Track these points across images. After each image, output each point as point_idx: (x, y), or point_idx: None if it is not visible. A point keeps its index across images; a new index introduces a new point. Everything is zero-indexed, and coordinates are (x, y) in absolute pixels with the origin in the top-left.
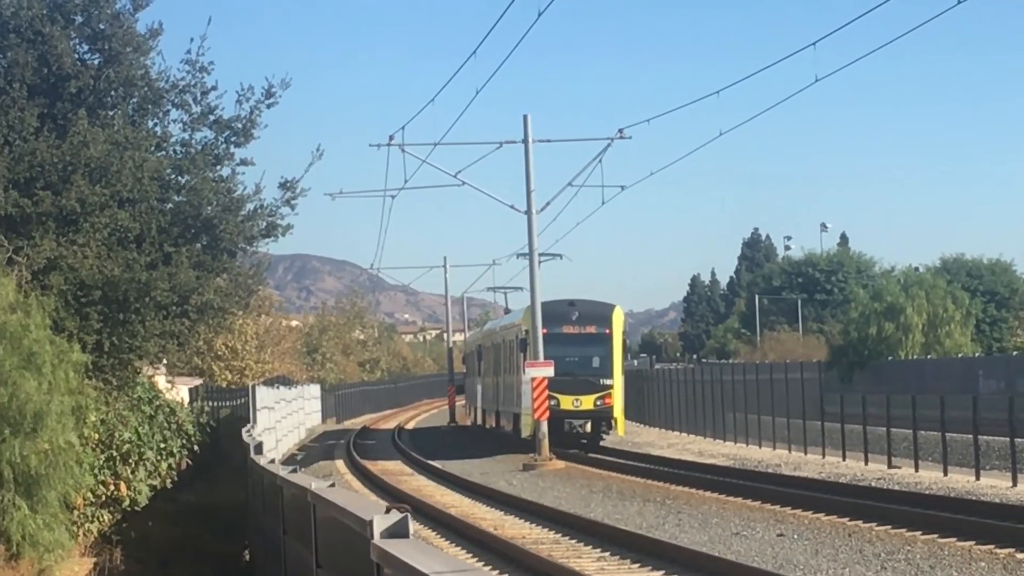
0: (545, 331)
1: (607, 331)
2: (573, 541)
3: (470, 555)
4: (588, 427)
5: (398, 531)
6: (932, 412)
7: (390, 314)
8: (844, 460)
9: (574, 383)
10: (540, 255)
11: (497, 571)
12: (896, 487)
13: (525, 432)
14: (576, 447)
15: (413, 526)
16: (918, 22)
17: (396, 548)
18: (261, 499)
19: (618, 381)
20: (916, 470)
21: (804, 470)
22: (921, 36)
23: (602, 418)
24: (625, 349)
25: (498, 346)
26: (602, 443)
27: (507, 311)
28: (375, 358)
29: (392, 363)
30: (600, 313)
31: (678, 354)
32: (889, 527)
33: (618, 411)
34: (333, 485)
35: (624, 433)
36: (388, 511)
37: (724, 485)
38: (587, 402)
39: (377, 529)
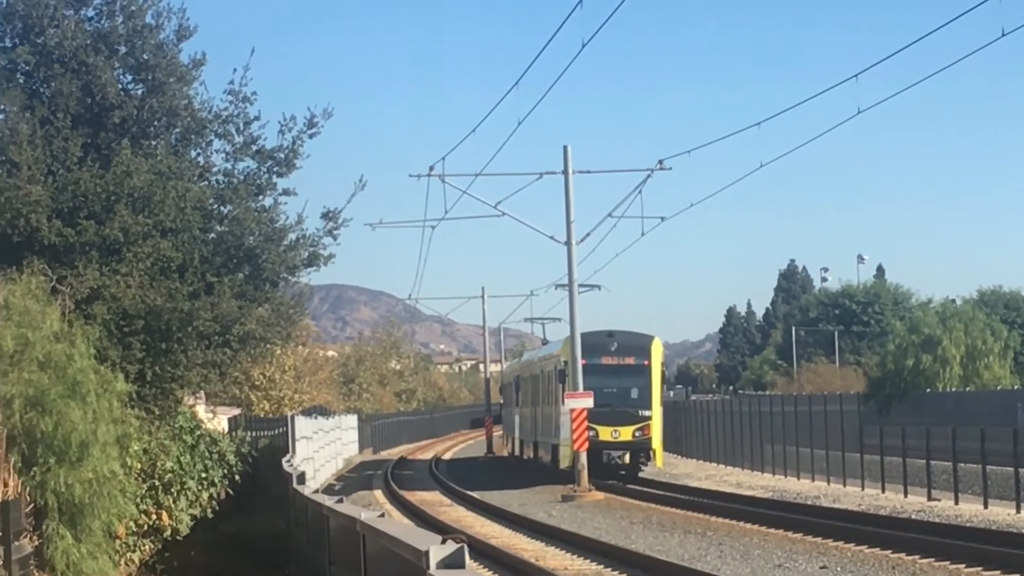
0: (584, 362)
1: (646, 362)
2: (615, 572)
3: None
4: (627, 458)
5: (454, 562)
6: (972, 444)
7: (425, 344)
8: (883, 492)
9: (613, 414)
10: (579, 286)
11: None
12: (936, 519)
13: (563, 463)
14: (614, 478)
15: None
16: (960, 55)
17: None
18: (304, 529)
19: (657, 412)
20: (956, 503)
21: (843, 502)
22: (963, 68)
23: (641, 449)
24: (664, 380)
25: (536, 377)
26: (640, 474)
27: (544, 342)
28: (411, 388)
29: (428, 393)
30: (639, 344)
31: (714, 385)
32: (932, 559)
33: (657, 442)
34: (383, 515)
35: (662, 465)
36: (444, 541)
37: (764, 517)
38: (626, 433)
39: (433, 560)
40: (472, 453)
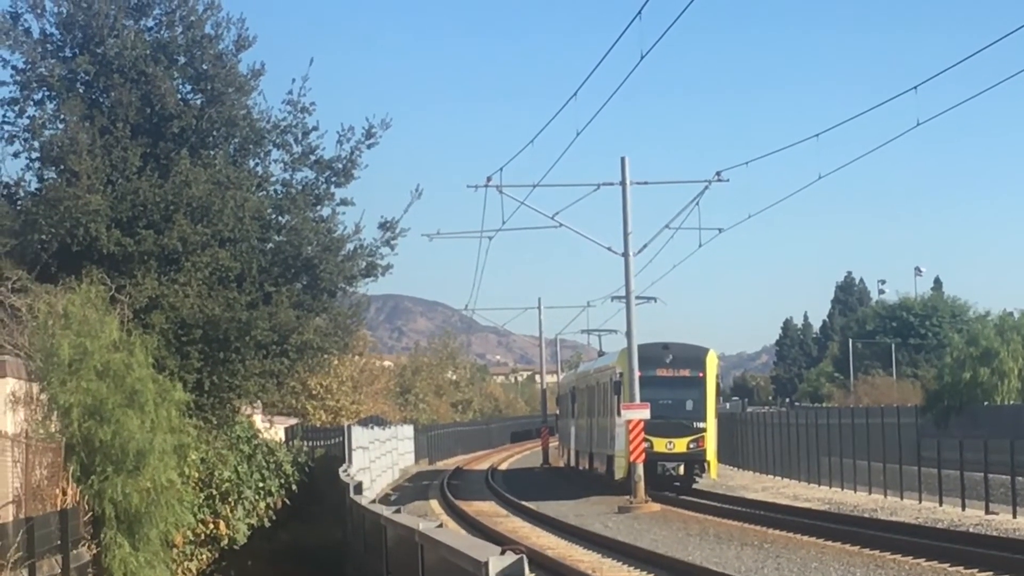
0: (639, 374)
1: (701, 374)
2: None
3: None
4: (681, 470)
5: (514, 572)
6: None
7: (481, 355)
8: (940, 505)
9: (668, 426)
10: (635, 298)
11: None
12: (994, 533)
13: (619, 474)
14: (669, 490)
15: None
16: (1019, 67)
17: None
18: (362, 539)
19: (711, 424)
20: (1014, 516)
21: (901, 515)
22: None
23: (695, 461)
24: (719, 392)
25: (592, 388)
26: (696, 486)
27: (601, 353)
28: (467, 399)
29: (484, 404)
30: (694, 356)
31: (770, 397)
32: (991, 573)
33: (711, 454)
34: (441, 525)
35: (717, 476)
36: (503, 552)
37: (821, 529)
38: (680, 445)
39: (493, 570)
40: (528, 464)
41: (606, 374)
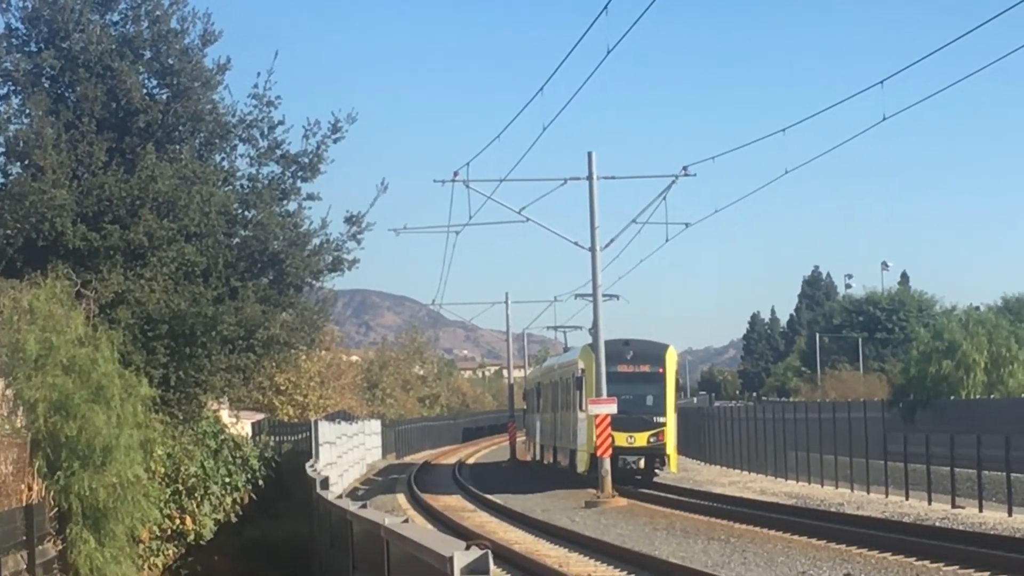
0: None
1: (661, 370)
2: None
3: None
4: (642, 463)
5: (478, 567)
6: (997, 452)
7: (448, 350)
8: (907, 499)
9: (628, 420)
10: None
11: None
12: (961, 527)
13: (580, 467)
14: (630, 483)
15: None
16: (986, 61)
17: None
18: (328, 534)
19: (671, 419)
20: (980, 510)
21: (867, 509)
22: (989, 74)
23: (655, 455)
24: (679, 388)
25: (555, 384)
26: (663, 481)
27: (566, 349)
28: (435, 394)
29: (452, 399)
30: (654, 352)
31: (737, 392)
32: (957, 567)
33: (671, 448)
34: (407, 521)
35: (677, 470)
36: (468, 547)
37: (788, 523)
38: (641, 439)
39: (458, 565)
40: (496, 458)
41: (569, 370)
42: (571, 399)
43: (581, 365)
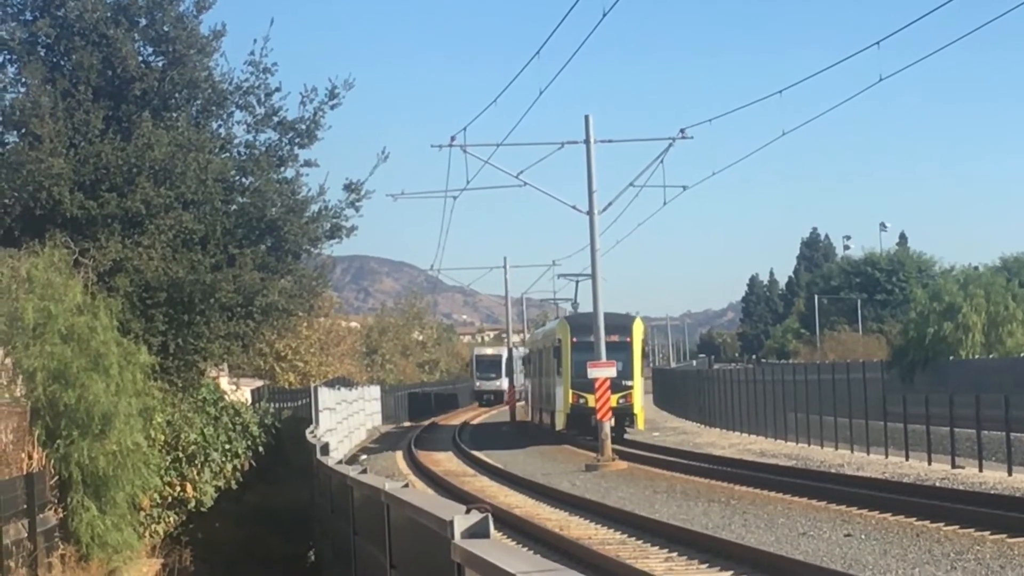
0: (575, 340)
1: (628, 339)
2: (639, 542)
3: (537, 556)
4: (612, 422)
5: (479, 531)
6: (996, 412)
7: (448, 315)
8: (907, 460)
9: None
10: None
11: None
12: (961, 487)
13: (559, 426)
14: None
15: None
16: (982, 21)
17: (479, 548)
18: (329, 500)
19: (638, 382)
20: (980, 470)
21: (867, 470)
22: (985, 34)
23: (625, 414)
24: (645, 355)
25: (540, 352)
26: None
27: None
28: (434, 359)
29: (451, 364)
30: (623, 324)
31: (736, 354)
32: (957, 527)
33: (638, 408)
34: (407, 485)
35: (644, 427)
36: (468, 511)
37: (788, 485)
38: (612, 400)
39: (458, 529)
40: (498, 420)
41: (550, 340)
42: (551, 366)
43: (558, 336)
